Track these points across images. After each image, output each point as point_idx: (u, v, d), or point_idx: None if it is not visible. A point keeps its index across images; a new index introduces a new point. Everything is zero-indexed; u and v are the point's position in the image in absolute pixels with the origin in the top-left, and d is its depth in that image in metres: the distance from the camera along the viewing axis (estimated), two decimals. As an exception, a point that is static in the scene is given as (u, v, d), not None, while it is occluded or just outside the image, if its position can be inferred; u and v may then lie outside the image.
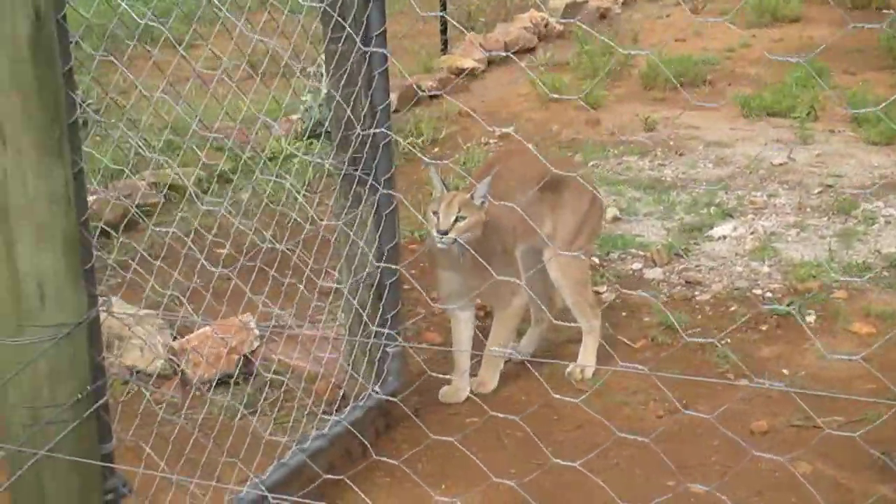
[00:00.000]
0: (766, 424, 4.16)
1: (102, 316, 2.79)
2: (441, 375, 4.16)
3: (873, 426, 3.64)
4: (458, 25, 9.55)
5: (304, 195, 4.90)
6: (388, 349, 4.02)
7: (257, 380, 4.25)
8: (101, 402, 2.61)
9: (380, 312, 4.00)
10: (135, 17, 2.99)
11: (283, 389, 4.08)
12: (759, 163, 7.15)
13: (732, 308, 5.18)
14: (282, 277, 3.63)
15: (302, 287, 3.75)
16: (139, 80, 3.18)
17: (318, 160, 5.48)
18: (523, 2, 11.17)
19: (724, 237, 5.99)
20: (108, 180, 5.86)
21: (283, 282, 3.62)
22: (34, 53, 2.30)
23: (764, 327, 4.98)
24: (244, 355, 4.39)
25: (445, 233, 4.08)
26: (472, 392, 4.42)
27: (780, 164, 7.12)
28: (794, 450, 3.84)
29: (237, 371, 4.33)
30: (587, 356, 4.60)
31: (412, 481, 3.57)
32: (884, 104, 3.02)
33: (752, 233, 6.03)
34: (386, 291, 4.00)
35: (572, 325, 4.57)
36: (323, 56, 3.87)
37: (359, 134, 3.83)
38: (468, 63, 9.29)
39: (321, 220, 3.98)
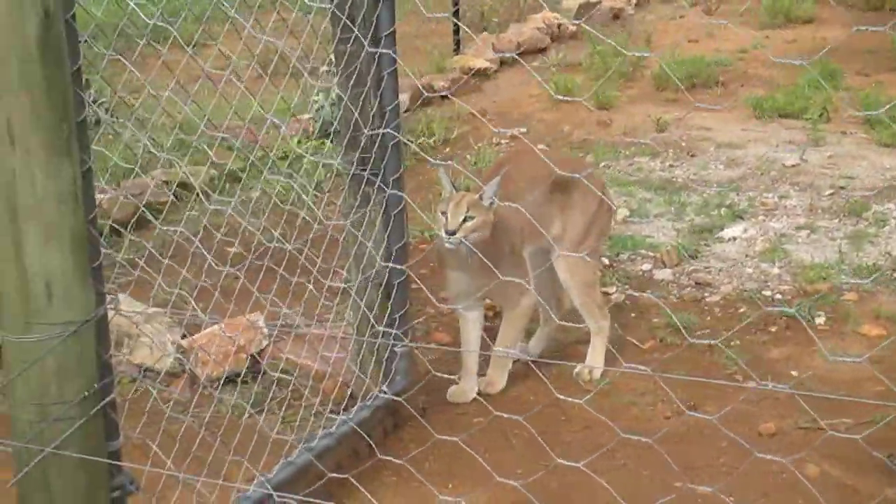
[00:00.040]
0: (773, 426, 4.16)
1: (111, 314, 2.81)
2: (447, 375, 4.17)
3: (877, 428, 3.63)
4: (464, 28, 9.54)
5: (313, 195, 4.91)
6: (395, 349, 4.03)
7: (265, 378, 4.26)
8: (108, 399, 2.62)
9: (388, 312, 4.00)
10: (143, 17, 3.00)
11: (290, 388, 4.09)
12: (770, 164, 7.13)
13: (742, 309, 5.17)
14: (290, 277, 3.64)
15: (310, 286, 3.76)
16: (149, 79, 3.20)
17: (328, 161, 5.50)
18: (536, 2, 11.16)
19: (735, 238, 5.98)
20: (118, 179, 5.88)
21: (291, 281, 3.63)
22: (43, 53, 2.31)
23: (773, 329, 4.97)
24: (252, 354, 4.40)
25: (453, 233, 4.09)
26: (479, 392, 4.43)
27: (792, 166, 7.10)
28: (801, 452, 3.84)
29: (245, 370, 4.35)
30: (595, 357, 4.60)
31: (419, 480, 3.58)
32: (887, 106, 3.01)
33: (762, 234, 6.02)
34: (394, 291, 4.01)
35: (581, 325, 4.58)
36: (333, 56, 3.88)
37: (368, 134, 3.84)
38: (480, 63, 9.29)
39: (330, 219, 3.99)
